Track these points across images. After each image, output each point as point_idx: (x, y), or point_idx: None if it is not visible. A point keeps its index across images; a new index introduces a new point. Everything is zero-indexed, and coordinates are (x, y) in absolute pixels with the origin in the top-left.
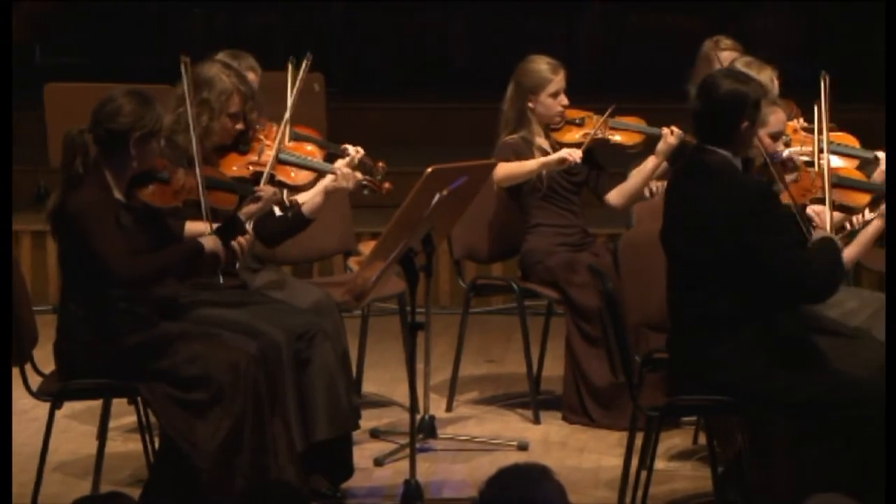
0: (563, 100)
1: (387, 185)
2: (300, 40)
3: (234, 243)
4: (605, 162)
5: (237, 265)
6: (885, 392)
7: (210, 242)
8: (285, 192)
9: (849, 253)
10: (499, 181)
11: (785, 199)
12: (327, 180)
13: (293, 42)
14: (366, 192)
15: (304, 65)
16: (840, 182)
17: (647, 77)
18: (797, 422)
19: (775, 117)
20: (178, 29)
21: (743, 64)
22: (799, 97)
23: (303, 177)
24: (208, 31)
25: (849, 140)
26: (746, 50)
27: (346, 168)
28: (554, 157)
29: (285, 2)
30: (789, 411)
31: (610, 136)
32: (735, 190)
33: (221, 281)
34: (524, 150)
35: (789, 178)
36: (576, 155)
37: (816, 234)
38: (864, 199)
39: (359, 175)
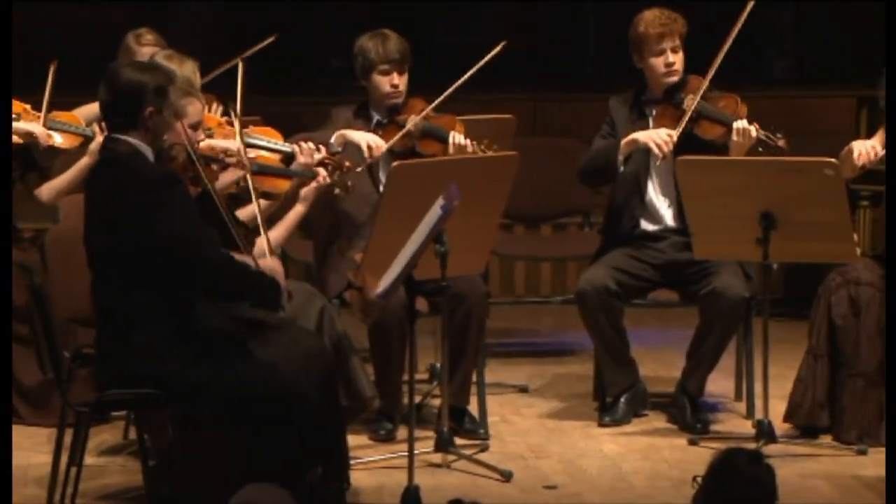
0: None
1: None
2: None
3: None
4: (41, 159)
5: None
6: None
7: None
8: None
9: (276, 235)
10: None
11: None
12: None
13: None
14: None
15: None
16: (262, 170)
17: (64, 70)
18: (223, 413)
19: (193, 108)
20: None
21: (163, 57)
22: (221, 91)
23: None
24: None
25: (271, 134)
26: (169, 44)
27: None
28: None
29: None
30: (214, 404)
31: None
32: (137, 180)
33: None
34: None
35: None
36: None
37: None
38: (286, 184)
39: None
